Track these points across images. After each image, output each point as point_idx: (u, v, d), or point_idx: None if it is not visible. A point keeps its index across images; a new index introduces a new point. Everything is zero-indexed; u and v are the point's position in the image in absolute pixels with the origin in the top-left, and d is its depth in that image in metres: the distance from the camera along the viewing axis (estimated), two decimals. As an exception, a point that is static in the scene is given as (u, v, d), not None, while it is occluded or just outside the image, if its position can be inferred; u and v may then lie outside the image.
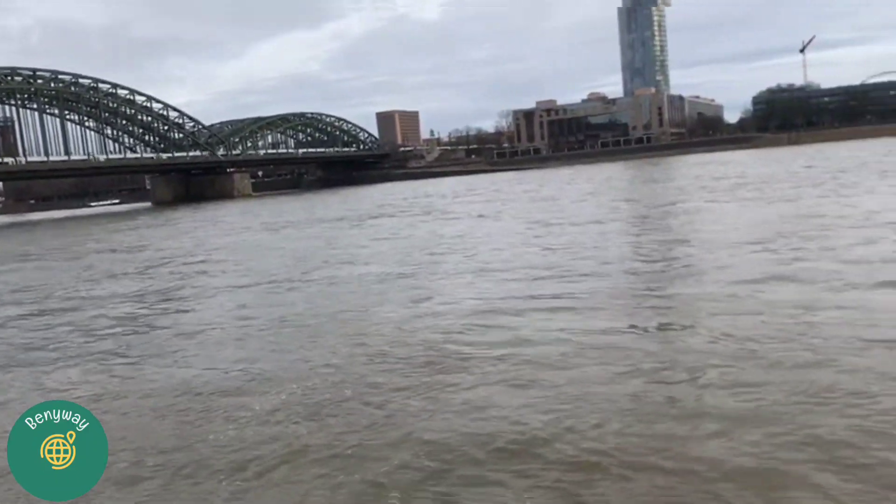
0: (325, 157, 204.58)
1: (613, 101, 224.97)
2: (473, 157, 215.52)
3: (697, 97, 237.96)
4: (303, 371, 12.47)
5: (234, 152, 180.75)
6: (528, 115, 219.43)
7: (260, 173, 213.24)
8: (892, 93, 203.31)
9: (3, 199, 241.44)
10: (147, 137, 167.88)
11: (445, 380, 11.33)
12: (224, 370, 12.91)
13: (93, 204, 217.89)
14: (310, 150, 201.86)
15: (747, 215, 32.50)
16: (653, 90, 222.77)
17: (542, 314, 15.71)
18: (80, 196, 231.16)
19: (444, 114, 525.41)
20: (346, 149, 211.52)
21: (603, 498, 7.29)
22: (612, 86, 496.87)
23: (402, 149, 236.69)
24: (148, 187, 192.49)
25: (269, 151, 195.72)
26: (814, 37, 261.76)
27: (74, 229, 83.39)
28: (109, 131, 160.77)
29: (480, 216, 46.40)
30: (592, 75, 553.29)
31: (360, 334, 15.14)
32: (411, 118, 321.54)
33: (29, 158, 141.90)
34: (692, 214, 35.53)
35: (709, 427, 8.64)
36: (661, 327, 14.01)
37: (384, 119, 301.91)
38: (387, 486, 7.79)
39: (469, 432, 9.05)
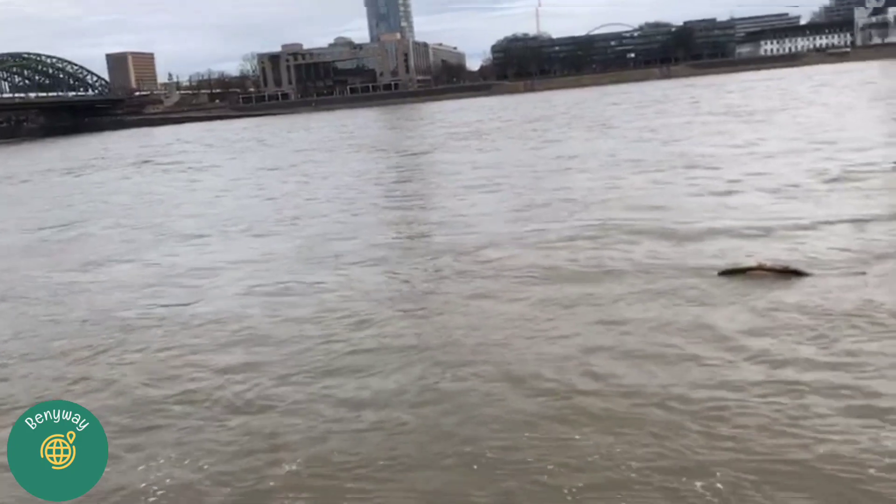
0: (48, 103, 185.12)
1: (360, 46, 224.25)
2: (217, 102, 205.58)
3: (441, 45, 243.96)
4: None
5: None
6: (273, 59, 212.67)
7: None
8: (612, 43, 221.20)
9: None
10: None
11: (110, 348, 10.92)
12: None
13: None
14: (29, 94, 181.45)
15: (479, 159, 34.21)
16: (398, 36, 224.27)
17: (223, 271, 15.48)
18: None
19: (184, 57, 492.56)
20: (72, 93, 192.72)
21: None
22: (359, 31, 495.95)
23: (137, 93, 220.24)
24: None
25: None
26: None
27: None
28: None
29: (199, 167, 44.95)
30: (338, 19, 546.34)
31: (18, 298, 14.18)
32: (146, 61, 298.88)
33: None
34: (427, 162, 36.80)
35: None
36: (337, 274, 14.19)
37: (116, 61, 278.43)
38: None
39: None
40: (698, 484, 6.37)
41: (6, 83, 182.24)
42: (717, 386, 8.26)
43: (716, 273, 12.55)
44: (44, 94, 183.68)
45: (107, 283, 15.45)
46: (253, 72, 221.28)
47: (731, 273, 12.49)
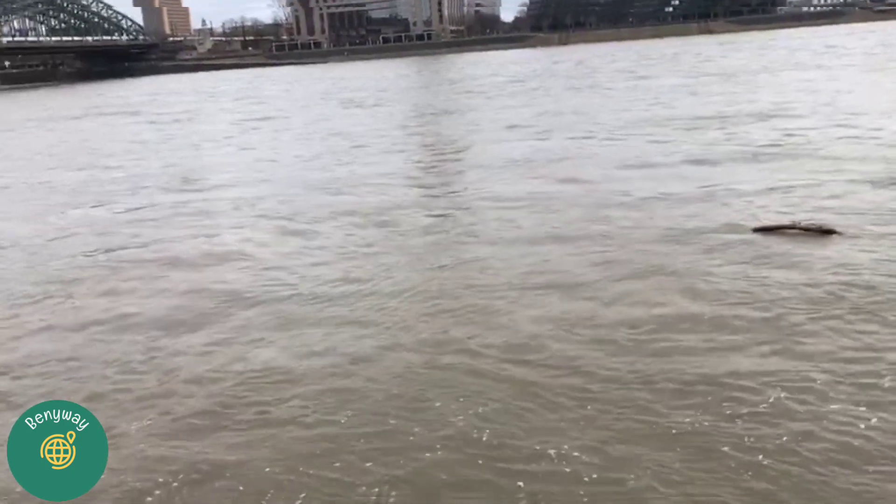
0: (84, 48, 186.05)
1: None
2: (251, 49, 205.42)
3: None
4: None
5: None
6: (306, 5, 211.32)
7: (7, 63, 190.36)
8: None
9: None
10: None
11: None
12: None
13: None
14: (65, 38, 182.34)
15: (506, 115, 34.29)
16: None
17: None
18: None
19: (217, 2, 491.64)
20: (107, 37, 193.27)
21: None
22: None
23: (171, 39, 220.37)
24: None
25: (17, 39, 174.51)
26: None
27: None
28: None
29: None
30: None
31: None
32: (179, 6, 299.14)
33: None
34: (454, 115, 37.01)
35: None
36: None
37: (149, 6, 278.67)
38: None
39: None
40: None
41: (43, 26, 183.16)
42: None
43: (750, 230, 12.93)
44: (79, 39, 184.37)
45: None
46: (287, 18, 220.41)
47: (764, 230, 12.82)
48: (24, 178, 26.04)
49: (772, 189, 15.95)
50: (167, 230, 16.22)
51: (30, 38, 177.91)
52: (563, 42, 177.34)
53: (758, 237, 12.52)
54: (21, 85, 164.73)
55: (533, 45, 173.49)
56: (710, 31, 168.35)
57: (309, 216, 16.48)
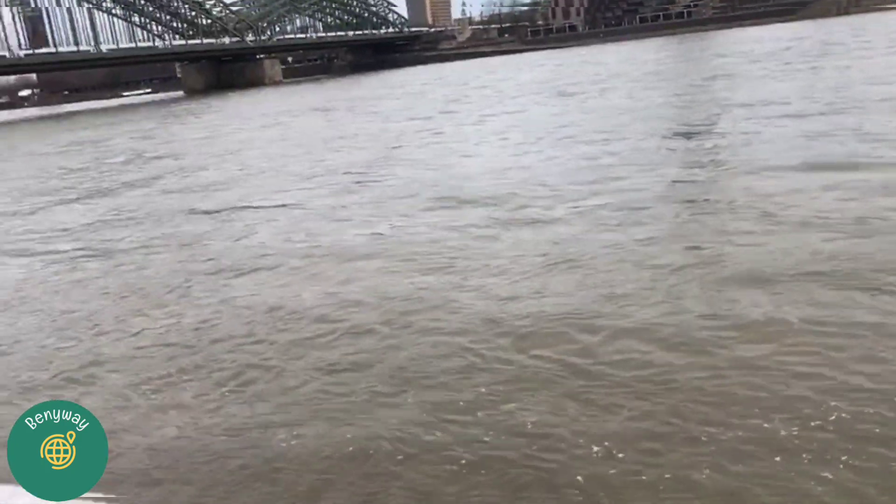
0: (356, 41, 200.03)
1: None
2: (506, 36, 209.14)
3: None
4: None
5: (262, 38, 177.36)
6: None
7: (290, 59, 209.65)
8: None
9: (38, 90, 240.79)
10: (175, 24, 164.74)
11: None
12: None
13: (125, 94, 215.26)
14: (339, 33, 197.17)
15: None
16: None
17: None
18: (112, 86, 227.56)
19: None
20: (374, 31, 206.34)
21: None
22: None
23: (432, 29, 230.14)
24: (179, 76, 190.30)
25: (299, 36, 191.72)
26: None
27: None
28: (137, 19, 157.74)
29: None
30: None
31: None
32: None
33: (59, 49, 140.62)
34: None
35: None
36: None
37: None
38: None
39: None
40: None
41: (320, 23, 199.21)
42: None
43: None
44: (349, 34, 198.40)
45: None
46: (543, 3, 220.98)
47: None
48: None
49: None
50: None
51: (310, 35, 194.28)
52: (842, 12, 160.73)
53: None
54: (302, 78, 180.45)
55: (808, 17, 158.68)
56: None
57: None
